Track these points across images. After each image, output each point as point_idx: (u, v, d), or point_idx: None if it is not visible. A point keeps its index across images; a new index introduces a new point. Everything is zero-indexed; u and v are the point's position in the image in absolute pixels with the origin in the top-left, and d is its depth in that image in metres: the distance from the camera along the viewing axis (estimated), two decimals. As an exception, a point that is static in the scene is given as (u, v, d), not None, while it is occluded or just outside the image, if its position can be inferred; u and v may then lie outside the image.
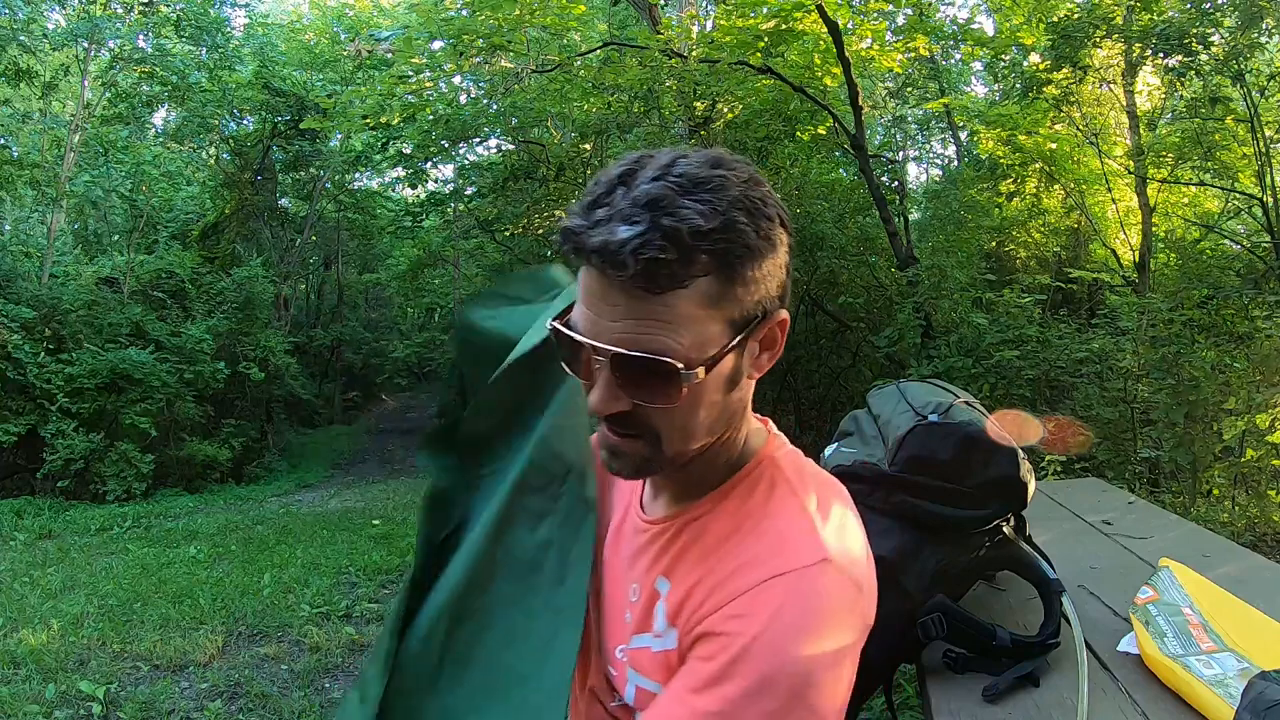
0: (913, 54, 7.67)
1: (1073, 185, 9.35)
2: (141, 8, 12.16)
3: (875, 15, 6.90)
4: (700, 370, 0.66)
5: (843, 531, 0.72)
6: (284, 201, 17.43)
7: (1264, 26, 6.38)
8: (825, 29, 6.24)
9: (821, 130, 8.10)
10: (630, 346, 0.65)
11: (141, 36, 12.46)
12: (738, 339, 0.68)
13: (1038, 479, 1.42)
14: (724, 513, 0.76)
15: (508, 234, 13.13)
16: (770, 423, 0.84)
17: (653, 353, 0.65)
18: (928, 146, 17.83)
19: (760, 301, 0.68)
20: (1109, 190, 9.12)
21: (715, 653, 0.67)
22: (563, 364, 0.73)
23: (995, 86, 12.42)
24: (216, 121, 14.83)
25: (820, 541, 0.70)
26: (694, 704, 0.67)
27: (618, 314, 0.65)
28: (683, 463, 0.74)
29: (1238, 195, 7.73)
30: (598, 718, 0.86)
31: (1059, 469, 4.44)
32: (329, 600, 4.81)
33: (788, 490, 0.75)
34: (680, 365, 0.65)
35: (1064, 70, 7.40)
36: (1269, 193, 6.45)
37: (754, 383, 0.76)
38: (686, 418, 0.70)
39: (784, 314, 0.71)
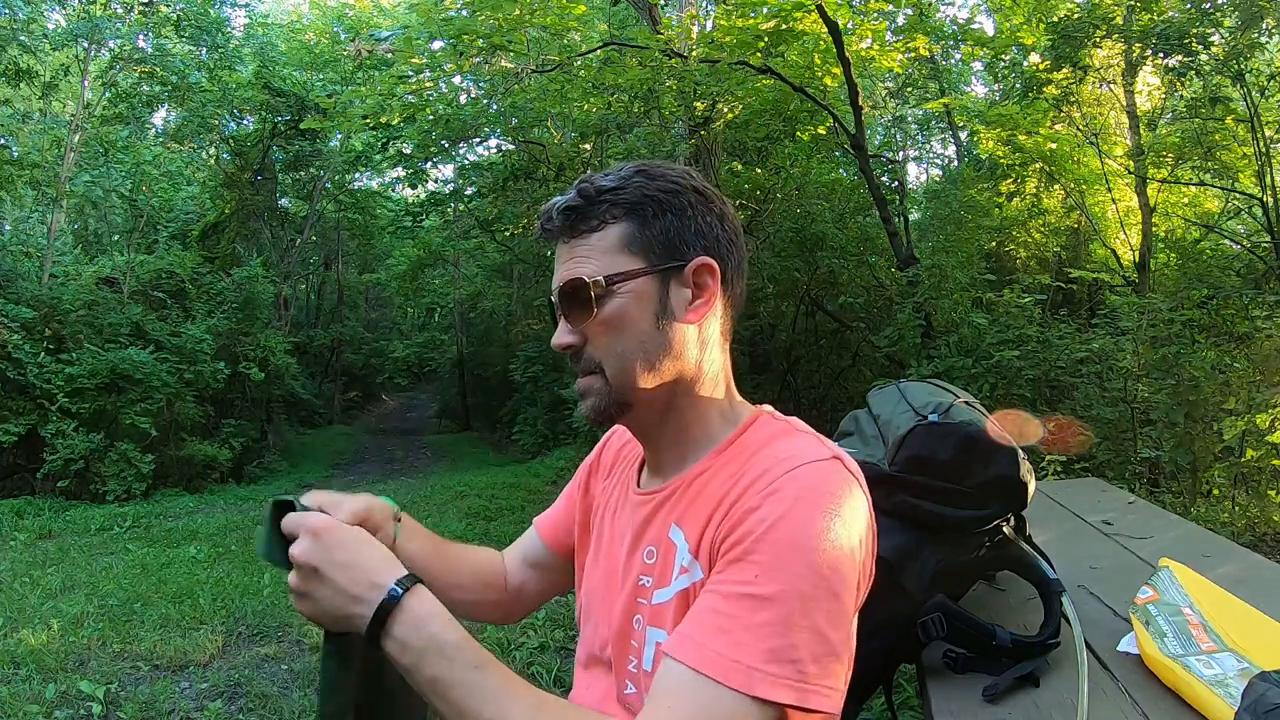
0: (913, 54, 7.66)
1: (1073, 185, 9.35)
2: (141, 8, 12.16)
3: (875, 15, 6.89)
4: (602, 281, 0.81)
5: (846, 455, 0.80)
6: (284, 201, 17.44)
7: (1264, 26, 6.38)
8: (825, 29, 6.24)
9: (821, 130, 8.10)
10: (564, 280, 0.83)
11: (141, 36, 12.46)
12: (650, 269, 0.82)
13: (1038, 479, 1.42)
14: (726, 463, 0.82)
15: (508, 234, 13.15)
16: (766, 406, 0.90)
17: (571, 277, 0.82)
18: (928, 146, 17.86)
19: (674, 242, 0.83)
20: (1109, 190, 9.12)
21: (739, 542, 0.73)
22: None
23: (995, 86, 12.43)
24: (216, 121, 14.83)
25: (829, 448, 0.79)
26: (721, 588, 0.72)
27: (564, 255, 0.84)
28: (634, 402, 0.83)
29: (1238, 195, 7.73)
30: (601, 692, 0.89)
31: (1059, 469, 4.44)
32: (329, 600, 4.80)
33: (790, 429, 0.84)
34: (587, 279, 0.81)
35: (1064, 70, 7.40)
36: (1269, 193, 6.44)
37: (703, 336, 0.85)
38: (618, 344, 0.82)
39: (706, 258, 0.83)
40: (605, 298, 0.81)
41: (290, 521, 0.76)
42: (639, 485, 0.92)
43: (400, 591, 0.70)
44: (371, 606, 0.70)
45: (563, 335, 0.84)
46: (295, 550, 0.73)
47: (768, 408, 0.89)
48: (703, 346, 0.85)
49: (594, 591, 0.95)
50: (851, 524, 0.73)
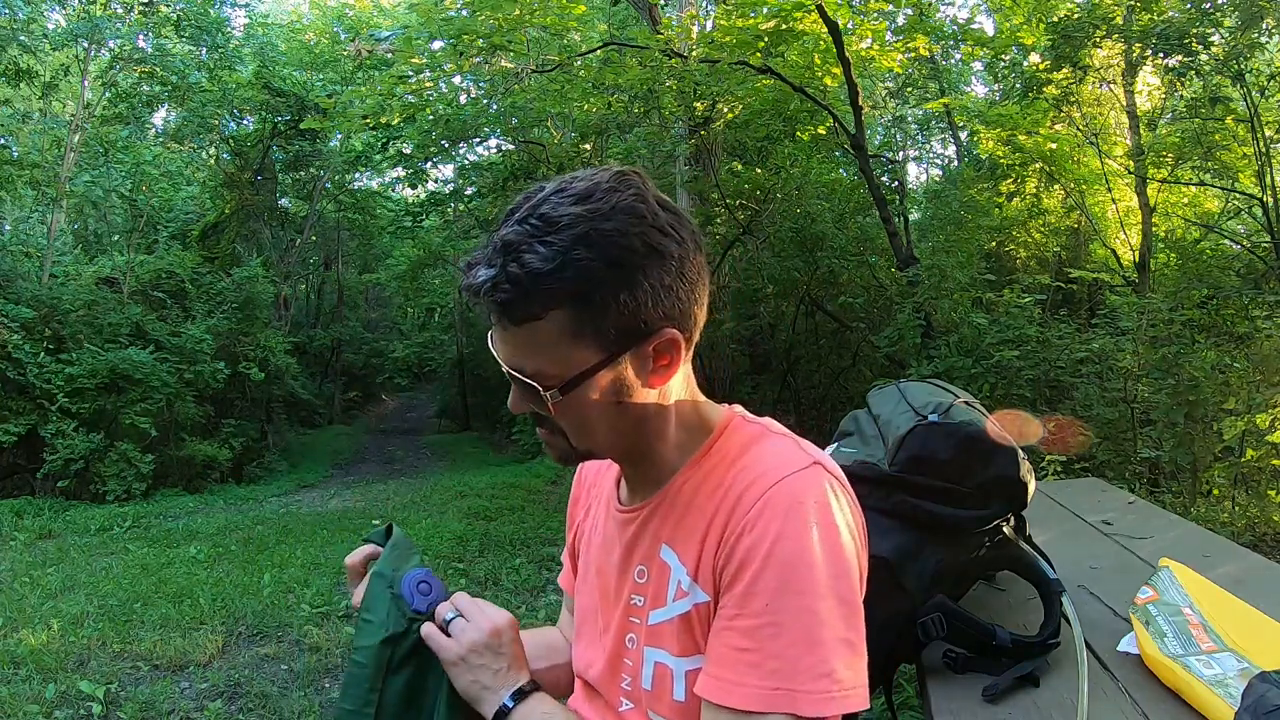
0: (913, 54, 7.66)
1: (1073, 185, 9.35)
2: (141, 8, 12.17)
3: (875, 15, 6.89)
4: (558, 391, 0.74)
5: (824, 456, 0.80)
6: (284, 201, 17.45)
7: (1264, 26, 6.37)
8: (825, 29, 6.24)
9: (821, 130, 8.10)
10: (510, 365, 0.76)
11: (141, 36, 12.47)
12: (609, 358, 0.74)
13: (1038, 479, 1.42)
14: (707, 474, 0.81)
15: (508, 234, 13.12)
16: (737, 407, 0.88)
17: (520, 372, 0.75)
18: (928, 146, 17.86)
19: (630, 323, 0.73)
20: (1109, 190, 9.12)
21: (740, 572, 0.73)
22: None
23: (995, 86, 12.43)
24: (216, 121, 14.84)
25: (807, 453, 0.78)
26: (738, 624, 0.72)
27: (503, 337, 0.76)
28: (599, 454, 0.84)
29: (1238, 195, 7.73)
30: (603, 704, 0.89)
31: (1059, 469, 4.44)
32: (329, 600, 4.81)
33: (765, 431, 0.82)
34: (539, 386, 0.74)
35: (1064, 70, 7.40)
36: (1269, 193, 6.44)
37: (666, 385, 0.79)
38: (580, 423, 0.78)
39: (670, 333, 0.75)
40: (556, 400, 0.76)
41: (472, 607, 0.86)
42: (620, 502, 0.90)
43: (529, 689, 0.83)
44: (505, 695, 0.82)
45: (520, 404, 0.80)
46: (474, 637, 0.83)
47: (738, 408, 0.87)
48: (663, 396, 0.81)
49: (584, 611, 0.95)
50: (843, 527, 0.74)
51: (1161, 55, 6.57)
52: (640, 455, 0.84)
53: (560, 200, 0.72)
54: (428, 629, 0.85)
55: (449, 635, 0.84)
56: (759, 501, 0.73)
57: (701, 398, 0.86)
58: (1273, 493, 4.62)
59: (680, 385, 0.82)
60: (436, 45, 7.87)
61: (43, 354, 9.57)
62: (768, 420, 0.85)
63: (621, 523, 0.88)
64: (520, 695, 0.82)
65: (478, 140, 12.64)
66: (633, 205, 0.72)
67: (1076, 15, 7.06)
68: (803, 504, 0.72)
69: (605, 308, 0.72)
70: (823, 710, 0.69)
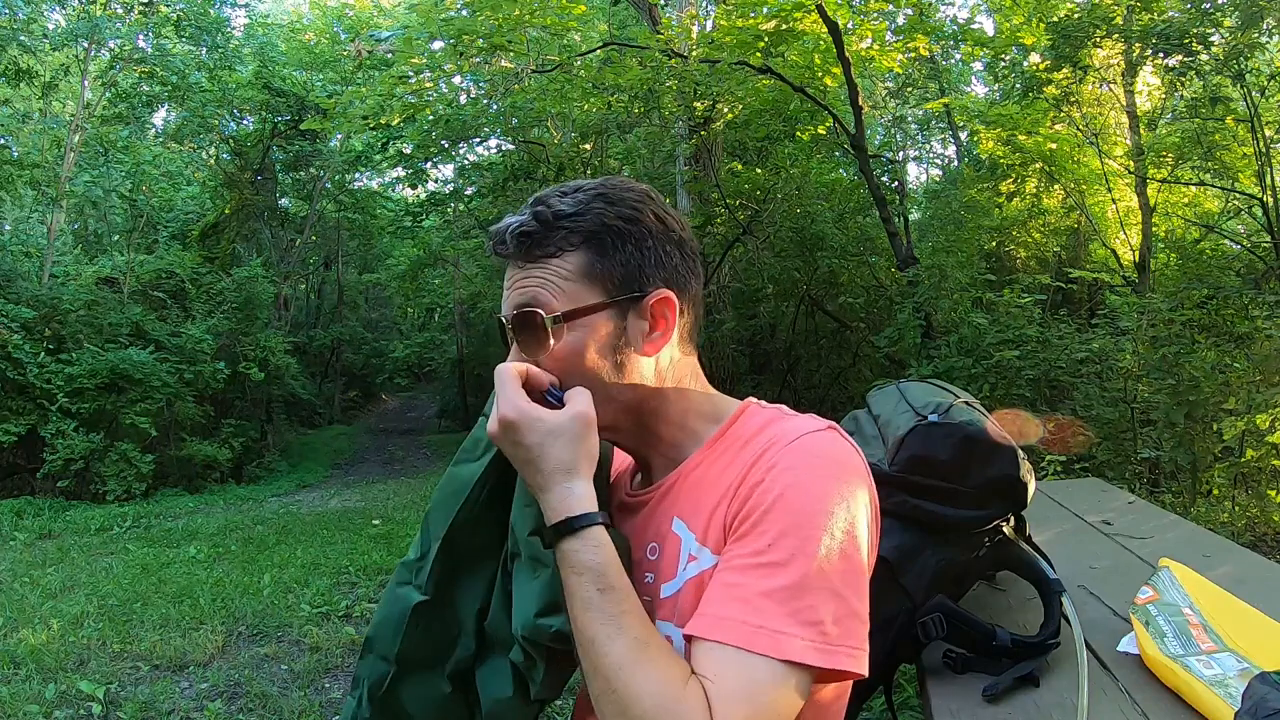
0: (913, 54, 7.67)
1: (1073, 185, 9.35)
2: (141, 8, 12.16)
3: (875, 15, 6.90)
4: (560, 317, 0.78)
5: (839, 428, 0.81)
6: (284, 201, 17.43)
7: (1264, 26, 6.37)
8: (825, 29, 6.24)
9: (821, 130, 8.11)
10: (518, 304, 0.80)
11: (141, 36, 12.47)
12: (608, 301, 0.79)
13: (1038, 479, 1.42)
14: (720, 454, 0.82)
15: (508, 234, 13.09)
16: (752, 398, 0.89)
17: (524, 305, 0.79)
18: (928, 146, 17.87)
19: (633, 274, 0.80)
20: (1109, 190, 9.11)
21: (747, 516, 0.73)
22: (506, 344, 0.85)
23: (995, 86, 12.42)
24: (216, 121, 14.83)
25: (822, 421, 0.80)
26: (735, 562, 0.72)
27: (512, 285, 0.81)
28: (602, 429, 0.80)
29: (1238, 195, 7.73)
30: None
31: (1059, 469, 4.44)
32: (329, 600, 4.81)
33: (781, 414, 0.84)
34: (541, 311, 0.78)
35: (1064, 70, 7.39)
36: (1269, 193, 6.44)
37: (660, 362, 0.83)
38: (572, 379, 0.79)
39: (665, 291, 0.81)
40: (560, 332, 0.79)
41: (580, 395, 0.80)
42: (631, 488, 0.92)
43: (607, 520, 0.75)
44: (583, 502, 0.74)
45: (515, 355, 0.81)
46: (583, 407, 0.76)
47: (754, 399, 0.88)
48: (660, 371, 0.83)
49: None
50: (856, 487, 0.74)
51: (1161, 55, 6.56)
52: (645, 436, 0.86)
53: (590, 180, 0.84)
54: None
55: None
56: (778, 455, 0.74)
57: (715, 392, 0.89)
58: (1273, 493, 4.62)
59: (688, 373, 0.86)
60: (436, 45, 7.87)
61: (43, 354, 9.57)
62: (782, 406, 0.87)
63: (631, 507, 0.89)
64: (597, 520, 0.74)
65: (478, 140, 12.64)
66: (644, 192, 0.84)
67: (1076, 15, 7.05)
68: (817, 457, 0.74)
69: (614, 255, 0.79)
70: (807, 658, 0.67)
